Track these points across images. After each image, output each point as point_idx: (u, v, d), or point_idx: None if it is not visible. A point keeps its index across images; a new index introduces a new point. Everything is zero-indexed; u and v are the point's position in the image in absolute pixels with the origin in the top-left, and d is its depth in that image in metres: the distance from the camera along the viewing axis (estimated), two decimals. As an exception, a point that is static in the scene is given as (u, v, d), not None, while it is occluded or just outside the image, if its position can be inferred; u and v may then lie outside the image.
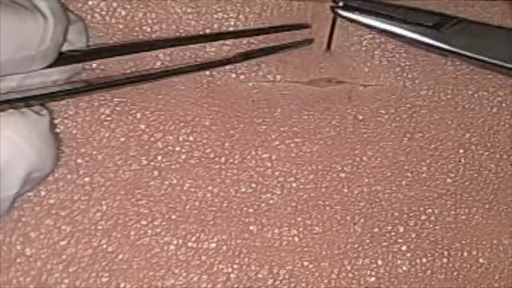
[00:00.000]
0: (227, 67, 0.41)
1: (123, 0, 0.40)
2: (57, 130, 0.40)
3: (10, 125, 0.35)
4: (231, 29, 0.41)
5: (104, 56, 0.39)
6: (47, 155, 0.36)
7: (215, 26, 0.41)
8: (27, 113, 0.35)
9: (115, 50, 0.39)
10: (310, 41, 0.42)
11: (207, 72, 0.41)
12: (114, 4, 0.40)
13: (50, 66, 0.36)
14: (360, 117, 0.43)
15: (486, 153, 0.43)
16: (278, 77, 0.42)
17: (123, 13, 0.40)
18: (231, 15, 0.41)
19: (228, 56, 0.41)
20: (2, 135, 0.34)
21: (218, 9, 0.41)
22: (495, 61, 0.41)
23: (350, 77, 0.43)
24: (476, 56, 0.41)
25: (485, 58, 0.41)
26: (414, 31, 0.41)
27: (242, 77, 0.42)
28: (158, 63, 0.41)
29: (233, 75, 0.42)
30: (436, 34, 0.41)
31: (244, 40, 0.41)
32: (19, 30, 0.33)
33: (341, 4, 0.41)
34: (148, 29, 0.41)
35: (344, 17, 0.42)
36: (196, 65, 0.41)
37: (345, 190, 0.42)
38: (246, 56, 0.41)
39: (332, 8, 0.42)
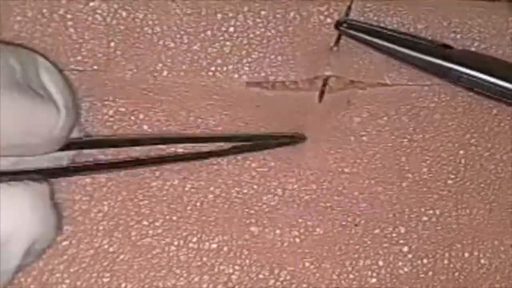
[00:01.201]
0: (230, 67, 0.41)
1: (124, 1, 0.40)
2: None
3: (14, 194, 0.35)
4: (231, 29, 0.41)
5: (106, 147, 0.40)
6: (50, 224, 0.36)
7: (215, 27, 0.41)
8: (30, 184, 0.35)
9: (117, 142, 0.40)
10: (302, 138, 0.42)
11: (210, 73, 0.41)
12: (115, 6, 0.40)
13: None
14: (360, 119, 0.43)
15: (487, 154, 0.43)
16: (280, 77, 0.42)
17: (124, 14, 0.40)
18: (231, 15, 0.42)
19: (223, 148, 0.41)
20: (5, 205, 0.34)
21: (218, 10, 0.41)
22: (498, 81, 0.41)
23: (351, 76, 0.43)
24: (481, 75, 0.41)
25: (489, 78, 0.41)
26: (418, 51, 0.41)
27: (244, 77, 0.42)
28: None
29: (236, 76, 0.42)
30: (443, 54, 0.41)
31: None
32: (31, 117, 0.34)
33: (345, 25, 0.42)
34: (149, 31, 0.41)
35: (348, 35, 0.42)
36: (191, 154, 0.41)
37: (346, 191, 0.42)
38: (241, 150, 0.41)
39: (337, 26, 0.42)
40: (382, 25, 0.42)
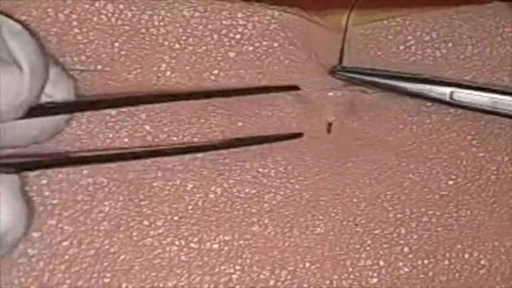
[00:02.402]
0: (232, 72, 0.42)
1: (130, 2, 0.41)
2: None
3: None
4: (238, 36, 0.42)
5: (84, 109, 0.39)
6: (20, 216, 0.36)
7: (223, 32, 0.42)
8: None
9: (96, 104, 0.40)
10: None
11: (213, 77, 0.42)
12: (121, 6, 0.41)
13: (24, 117, 0.36)
14: (362, 120, 0.43)
15: (488, 155, 0.44)
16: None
17: (129, 15, 0.41)
18: (241, 23, 0.42)
19: (224, 139, 0.42)
20: None
21: (228, 16, 0.42)
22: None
23: (353, 83, 0.43)
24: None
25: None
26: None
27: (248, 83, 0.42)
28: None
29: (238, 81, 0.42)
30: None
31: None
32: None
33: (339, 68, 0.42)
34: (155, 32, 0.41)
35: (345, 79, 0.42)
36: (189, 147, 0.41)
37: (347, 191, 0.43)
38: (243, 142, 0.42)
39: (332, 71, 0.42)
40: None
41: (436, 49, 0.43)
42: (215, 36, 0.42)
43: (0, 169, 0.35)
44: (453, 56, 0.44)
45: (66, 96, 0.38)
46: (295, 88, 0.42)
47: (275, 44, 0.42)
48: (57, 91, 0.37)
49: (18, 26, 0.36)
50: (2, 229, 0.35)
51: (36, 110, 0.36)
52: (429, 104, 0.43)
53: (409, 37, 0.43)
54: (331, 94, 0.43)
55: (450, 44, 0.44)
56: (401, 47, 0.43)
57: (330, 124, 0.43)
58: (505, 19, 0.44)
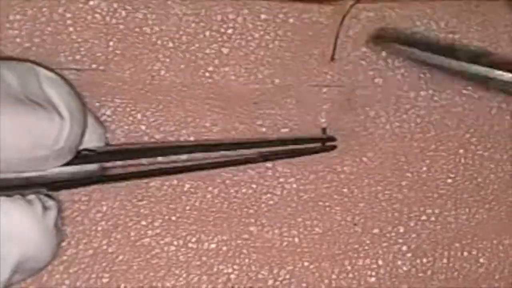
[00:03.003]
0: (227, 68, 0.41)
1: (124, 1, 0.40)
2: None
3: (13, 209, 0.34)
4: (230, 31, 0.41)
5: (120, 159, 0.39)
6: (46, 248, 0.36)
7: (214, 28, 0.41)
8: (34, 202, 0.35)
9: (131, 153, 0.40)
10: (332, 148, 0.42)
11: (207, 74, 0.41)
12: (115, 5, 0.40)
13: (65, 165, 0.36)
14: (360, 118, 0.43)
15: (486, 153, 0.43)
16: (277, 80, 0.42)
17: (124, 13, 0.40)
18: (231, 17, 0.42)
19: (249, 156, 0.41)
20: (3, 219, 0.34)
21: (218, 11, 0.41)
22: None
23: (350, 79, 0.43)
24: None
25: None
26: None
27: (241, 79, 0.42)
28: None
29: (233, 77, 0.42)
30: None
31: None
32: (34, 129, 0.34)
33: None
34: (148, 30, 0.41)
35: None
36: (217, 163, 0.41)
37: (345, 190, 0.42)
38: (267, 157, 0.41)
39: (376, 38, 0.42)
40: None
41: (443, 40, 0.43)
42: (207, 33, 0.41)
43: (35, 189, 0.36)
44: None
45: (98, 143, 0.38)
46: (331, 139, 0.42)
47: (267, 37, 0.42)
48: (92, 138, 0.38)
49: (52, 74, 0.37)
50: (25, 255, 0.35)
51: (76, 158, 0.37)
52: (428, 102, 0.43)
53: (418, 23, 0.43)
54: (325, 89, 0.42)
55: (457, 36, 0.43)
56: (408, 32, 0.43)
57: (324, 129, 0.42)
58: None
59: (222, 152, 0.41)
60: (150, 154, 0.40)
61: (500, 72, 0.40)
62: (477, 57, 0.41)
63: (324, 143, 0.42)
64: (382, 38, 0.42)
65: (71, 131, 0.35)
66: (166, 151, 0.40)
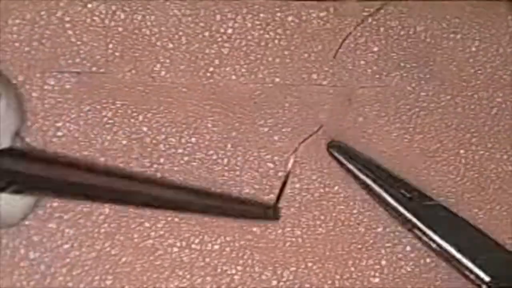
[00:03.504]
0: (227, 68, 0.41)
1: (122, 3, 0.40)
2: (59, 134, 0.39)
3: None
4: (229, 31, 0.41)
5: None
6: None
7: (214, 28, 0.41)
8: None
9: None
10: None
11: (208, 74, 0.41)
12: (113, 7, 0.40)
13: None
14: (361, 119, 0.43)
15: (487, 153, 0.43)
16: (277, 80, 0.42)
17: (122, 16, 0.40)
18: (229, 16, 0.41)
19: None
20: None
21: (217, 11, 0.41)
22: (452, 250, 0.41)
23: (350, 79, 0.42)
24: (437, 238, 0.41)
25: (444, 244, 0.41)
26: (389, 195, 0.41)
27: (242, 78, 0.42)
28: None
29: (234, 77, 0.42)
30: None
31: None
32: None
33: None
34: (147, 32, 0.41)
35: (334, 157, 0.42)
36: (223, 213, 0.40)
37: (348, 190, 0.42)
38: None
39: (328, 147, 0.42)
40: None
41: (444, 39, 0.43)
42: (207, 33, 0.41)
43: None
44: (459, 49, 0.43)
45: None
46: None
47: (267, 36, 0.42)
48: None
49: None
50: None
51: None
52: (428, 102, 0.43)
53: (421, 22, 0.43)
54: (325, 89, 0.42)
55: (458, 36, 0.43)
56: (411, 31, 0.43)
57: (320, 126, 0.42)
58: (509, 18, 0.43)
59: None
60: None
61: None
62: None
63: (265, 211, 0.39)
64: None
65: None
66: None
